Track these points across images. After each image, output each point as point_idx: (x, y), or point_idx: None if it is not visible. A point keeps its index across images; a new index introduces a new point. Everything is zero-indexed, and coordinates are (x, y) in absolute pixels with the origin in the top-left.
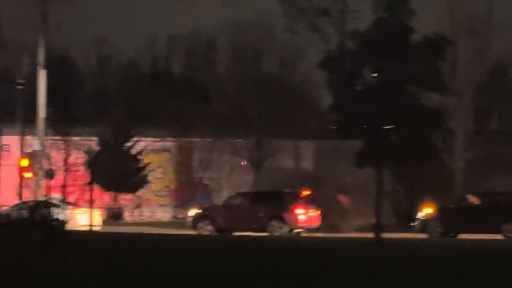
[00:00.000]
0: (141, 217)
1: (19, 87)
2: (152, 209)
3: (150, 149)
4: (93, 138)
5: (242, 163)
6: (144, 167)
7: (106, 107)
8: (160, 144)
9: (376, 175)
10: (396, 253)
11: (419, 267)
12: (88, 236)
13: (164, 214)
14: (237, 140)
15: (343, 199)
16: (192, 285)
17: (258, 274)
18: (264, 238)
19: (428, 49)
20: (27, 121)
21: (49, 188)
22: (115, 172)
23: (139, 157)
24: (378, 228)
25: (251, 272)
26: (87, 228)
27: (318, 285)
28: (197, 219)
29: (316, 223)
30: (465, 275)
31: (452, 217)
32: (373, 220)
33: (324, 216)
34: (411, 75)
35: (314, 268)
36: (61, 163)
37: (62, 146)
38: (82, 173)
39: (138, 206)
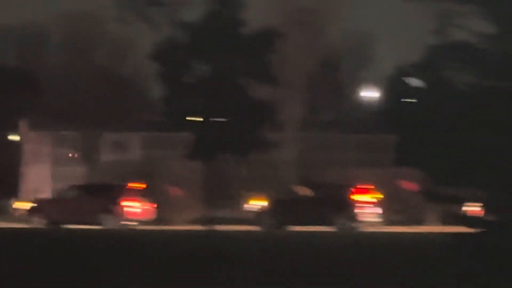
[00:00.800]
0: None
1: None
2: None
3: None
4: None
5: (71, 155)
6: None
7: None
8: None
9: (207, 168)
10: (228, 245)
11: (251, 259)
12: None
13: None
14: (69, 132)
15: (175, 191)
16: None
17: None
18: (93, 231)
19: (259, 41)
20: None
21: None
22: None
23: None
24: (210, 220)
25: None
26: None
27: (144, 276)
28: (30, 211)
29: (149, 216)
30: (297, 268)
31: (285, 209)
32: (205, 212)
33: (156, 208)
34: (242, 67)
35: (144, 260)
36: None
37: None
38: None
39: None
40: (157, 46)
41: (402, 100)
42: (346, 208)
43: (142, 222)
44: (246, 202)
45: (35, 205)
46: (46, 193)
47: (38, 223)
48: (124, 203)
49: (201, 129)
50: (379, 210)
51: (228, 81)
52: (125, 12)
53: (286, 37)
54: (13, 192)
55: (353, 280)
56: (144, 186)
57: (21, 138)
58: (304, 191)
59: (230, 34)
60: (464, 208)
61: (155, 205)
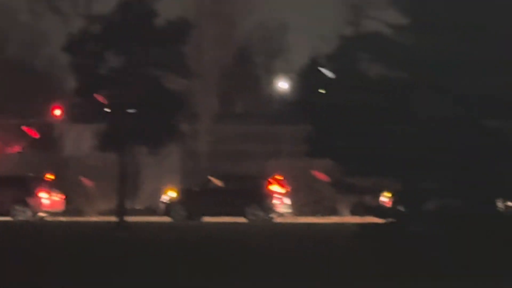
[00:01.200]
0: None
1: None
2: None
3: None
4: None
5: None
6: None
7: None
8: None
9: (120, 159)
10: (138, 237)
11: (162, 250)
12: None
13: None
14: None
15: (87, 182)
16: None
17: None
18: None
19: (172, 33)
20: None
21: None
22: None
23: None
24: (121, 211)
25: None
26: None
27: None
28: None
29: (60, 207)
30: (210, 258)
31: (196, 200)
32: (117, 204)
33: (69, 200)
34: (155, 59)
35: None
36: None
37: None
38: None
39: None
40: (70, 38)
41: (314, 91)
42: (258, 199)
43: (52, 214)
44: (159, 193)
45: None
46: None
47: None
48: (34, 195)
49: (114, 120)
50: (291, 201)
51: (141, 72)
52: (36, 3)
53: (200, 28)
54: None
55: (263, 270)
56: (53, 177)
57: None
58: (217, 182)
59: (143, 25)
60: (375, 199)
61: (65, 197)
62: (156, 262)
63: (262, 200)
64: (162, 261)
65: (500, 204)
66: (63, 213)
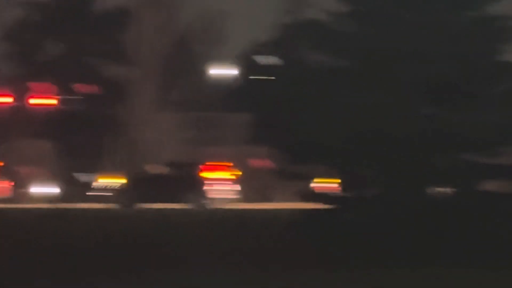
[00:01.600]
0: None
1: None
2: None
3: None
4: None
5: None
6: None
7: None
8: None
9: (62, 147)
10: (81, 223)
11: (103, 236)
12: None
13: None
14: None
15: (31, 170)
16: None
17: None
18: None
19: (111, 21)
20: None
21: None
22: None
23: None
24: (64, 198)
25: None
26: None
27: None
28: None
29: (5, 194)
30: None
31: (140, 187)
32: (60, 191)
33: (14, 186)
34: (94, 47)
35: None
36: None
37: None
38: None
39: None
40: (7, 26)
41: (254, 78)
42: (200, 185)
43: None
44: (102, 180)
45: None
46: None
47: None
48: None
49: (55, 108)
50: (233, 188)
51: (81, 60)
52: None
53: (139, 16)
54: None
55: (201, 256)
56: (0, 164)
57: None
58: (159, 169)
59: (82, 14)
60: (316, 185)
61: (12, 183)
62: (96, 248)
63: (204, 186)
64: (96, 248)
65: (432, 191)
66: (10, 200)
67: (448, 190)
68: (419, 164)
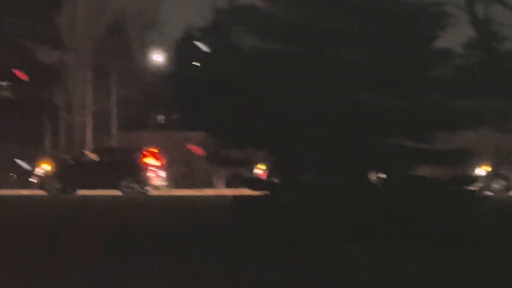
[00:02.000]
0: None
1: None
2: None
3: None
4: None
5: None
6: None
7: None
8: None
9: None
10: (9, 210)
11: (35, 224)
12: None
13: None
14: None
15: None
16: None
17: None
18: None
19: (44, 4)
20: None
21: None
22: None
23: None
24: None
25: None
26: None
27: None
28: None
29: None
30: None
31: (71, 174)
32: None
33: None
34: (26, 30)
35: None
36: None
37: None
38: None
39: None
40: None
41: (188, 63)
42: (133, 172)
43: None
44: (34, 166)
45: None
46: None
47: None
48: None
49: None
50: (166, 174)
51: (12, 44)
52: None
53: (73, 0)
54: None
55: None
56: None
57: None
58: (91, 155)
59: None
60: (249, 171)
61: None
62: (27, 236)
63: (137, 172)
64: (34, 235)
65: (372, 176)
66: None
67: (382, 174)
68: (354, 149)
